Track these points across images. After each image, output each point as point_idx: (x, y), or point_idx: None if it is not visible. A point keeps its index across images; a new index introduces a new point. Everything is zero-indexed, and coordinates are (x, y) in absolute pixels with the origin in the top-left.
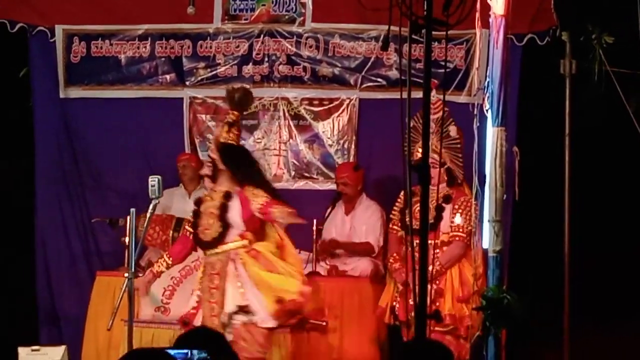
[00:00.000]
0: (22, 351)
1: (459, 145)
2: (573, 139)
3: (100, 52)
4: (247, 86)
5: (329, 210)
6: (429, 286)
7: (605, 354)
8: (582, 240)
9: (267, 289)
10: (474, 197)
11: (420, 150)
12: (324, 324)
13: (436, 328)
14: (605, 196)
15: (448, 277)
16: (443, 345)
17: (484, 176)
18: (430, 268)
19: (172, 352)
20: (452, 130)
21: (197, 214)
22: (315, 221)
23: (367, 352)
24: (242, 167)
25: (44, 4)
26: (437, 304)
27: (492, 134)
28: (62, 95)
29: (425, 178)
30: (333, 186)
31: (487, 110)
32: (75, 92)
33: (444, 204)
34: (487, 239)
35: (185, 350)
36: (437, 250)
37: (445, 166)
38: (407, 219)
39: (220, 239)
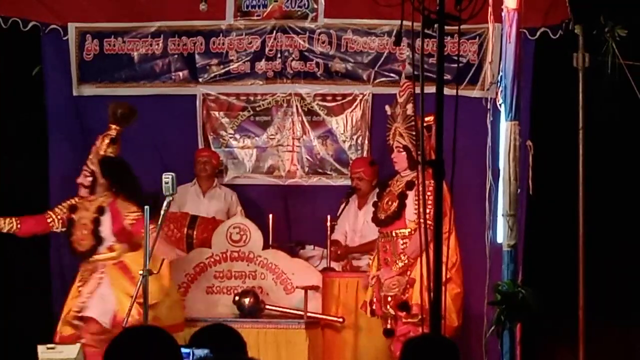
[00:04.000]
0: (40, 349)
1: (413, 123)
2: (586, 133)
3: (113, 49)
4: (133, 106)
5: (342, 206)
6: (402, 278)
7: (621, 348)
8: (596, 233)
9: (125, 296)
10: (487, 192)
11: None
12: (341, 320)
13: (408, 320)
14: (620, 189)
15: (418, 265)
16: (449, 340)
17: (498, 170)
18: (399, 262)
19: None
20: (409, 108)
21: (71, 222)
22: (329, 217)
23: (381, 348)
24: (121, 180)
25: (56, 2)
26: (407, 294)
27: (506, 128)
28: (75, 93)
29: (439, 174)
30: (347, 182)
31: (500, 105)
32: (89, 90)
33: (407, 191)
34: (502, 233)
35: (187, 351)
36: (406, 241)
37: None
38: (420, 211)
39: (93, 251)
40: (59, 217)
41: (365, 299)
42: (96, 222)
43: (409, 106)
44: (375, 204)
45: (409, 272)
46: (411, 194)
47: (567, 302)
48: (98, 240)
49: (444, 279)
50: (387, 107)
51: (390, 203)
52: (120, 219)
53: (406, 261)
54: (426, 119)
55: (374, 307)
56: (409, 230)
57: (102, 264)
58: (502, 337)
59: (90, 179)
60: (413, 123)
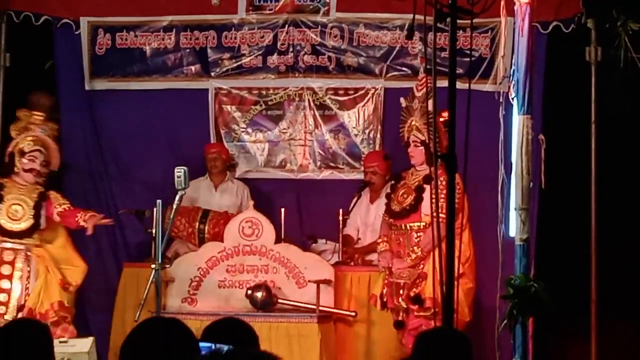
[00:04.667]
0: None
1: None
2: (599, 126)
3: (125, 43)
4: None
5: (354, 200)
6: (414, 270)
7: (634, 343)
8: (609, 227)
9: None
10: (500, 186)
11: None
12: (353, 314)
13: (420, 313)
14: (632, 183)
15: (431, 260)
16: (462, 334)
17: (510, 164)
18: (412, 254)
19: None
20: (430, 105)
21: None
22: (341, 211)
23: (393, 341)
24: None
25: None
26: (419, 288)
27: (518, 122)
28: (87, 88)
29: (452, 167)
30: (359, 176)
31: (512, 99)
32: (101, 84)
33: (424, 185)
34: (514, 227)
35: (209, 344)
36: (421, 234)
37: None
38: (433, 205)
39: (27, 233)
40: None
41: (374, 292)
42: (38, 206)
43: (430, 102)
44: (388, 196)
45: (421, 266)
46: (429, 188)
47: (580, 296)
48: (36, 223)
49: (456, 273)
50: (402, 99)
51: (405, 196)
52: (51, 208)
53: (419, 254)
54: (444, 114)
55: (384, 299)
56: (424, 223)
57: (28, 248)
58: (514, 331)
59: (37, 162)
60: (432, 118)
